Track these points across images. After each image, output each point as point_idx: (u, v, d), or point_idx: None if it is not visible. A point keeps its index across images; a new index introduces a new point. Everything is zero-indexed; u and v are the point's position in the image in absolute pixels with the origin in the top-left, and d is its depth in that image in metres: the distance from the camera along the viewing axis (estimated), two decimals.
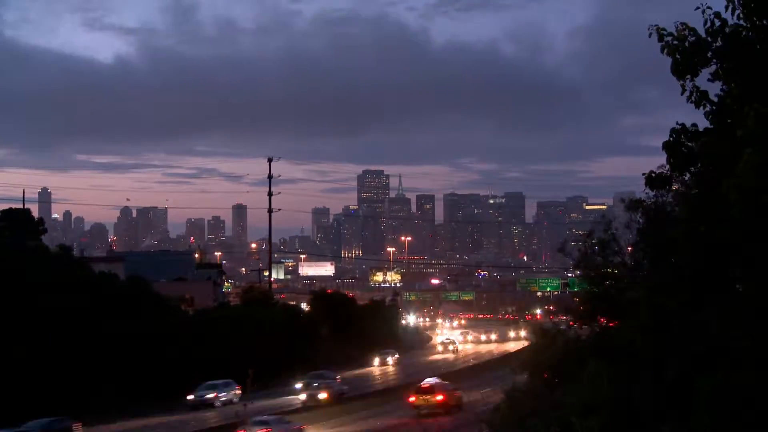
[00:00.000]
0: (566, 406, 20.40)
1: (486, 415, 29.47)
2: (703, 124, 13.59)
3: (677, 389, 15.56)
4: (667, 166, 14.17)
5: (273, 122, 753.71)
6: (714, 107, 12.93)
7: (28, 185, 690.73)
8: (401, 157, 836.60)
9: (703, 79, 12.99)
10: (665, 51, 12.68)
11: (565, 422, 20.01)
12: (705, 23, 12.45)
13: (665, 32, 12.75)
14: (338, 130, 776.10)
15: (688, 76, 12.74)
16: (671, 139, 13.46)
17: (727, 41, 12.37)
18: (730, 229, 12.64)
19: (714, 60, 12.67)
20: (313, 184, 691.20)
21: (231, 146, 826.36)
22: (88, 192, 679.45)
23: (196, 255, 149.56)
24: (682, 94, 12.80)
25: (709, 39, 12.53)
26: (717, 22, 12.41)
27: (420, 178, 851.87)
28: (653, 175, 15.20)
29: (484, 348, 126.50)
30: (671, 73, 12.76)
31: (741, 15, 12.30)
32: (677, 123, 13.55)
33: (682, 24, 12.71)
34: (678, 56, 12.58)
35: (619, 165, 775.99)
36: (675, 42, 12.63)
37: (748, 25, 12.35)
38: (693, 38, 12.57)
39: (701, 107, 12.88)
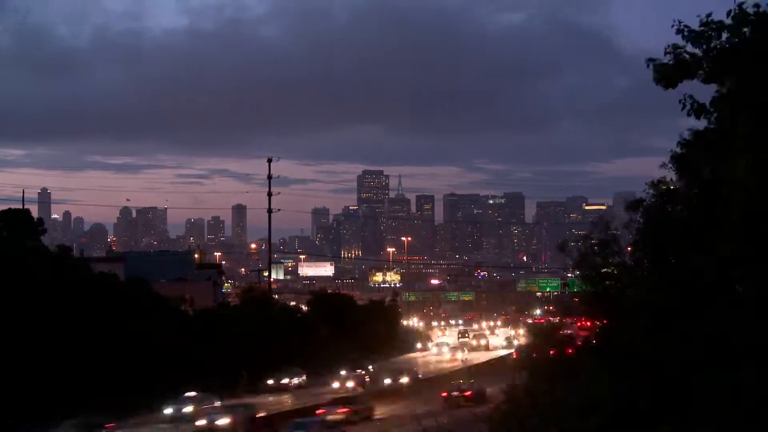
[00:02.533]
0: (566, 406, 20.43)
1: (486, 414, 29.50)
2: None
3: (676, 389, 15.57)
4: (675, 174, 14.34)
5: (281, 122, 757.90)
6: (712, 116, 13.13)
7: (40, 186, 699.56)
8: (414, 157, 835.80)
9: (699, 86, 13.19)
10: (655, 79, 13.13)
11: (565, 422, 20.04)
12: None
13: (655, 61, 13.14)
14: (337, 128, 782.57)
15: (684, 87, 12.95)
16: (678, 147, 13.68)
17: (718, 56, 12.56)
18: (730, 231, 12.68)
19: (700, 74, 12.99)
20: (320, 185, 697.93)
21: (244, 147, 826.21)
22: (98, 193, 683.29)
23: (196, 255, 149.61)
24: (682, 109, 13.05)
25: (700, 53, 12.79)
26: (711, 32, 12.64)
27: (429, 179, 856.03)
28: (655, 182, 15.32)
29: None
30: (654, 83, 13.15)
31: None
32: (681, 137, 13.77)
33: (673, 44, 13.03)
34: (664, 80, 12.93)
35: (628, 165, 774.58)
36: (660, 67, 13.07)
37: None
38: (685, 56, 12.90)
39: (700, 118, 13.11)
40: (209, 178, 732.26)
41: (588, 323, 25.57)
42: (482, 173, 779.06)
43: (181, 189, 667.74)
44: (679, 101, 13.06)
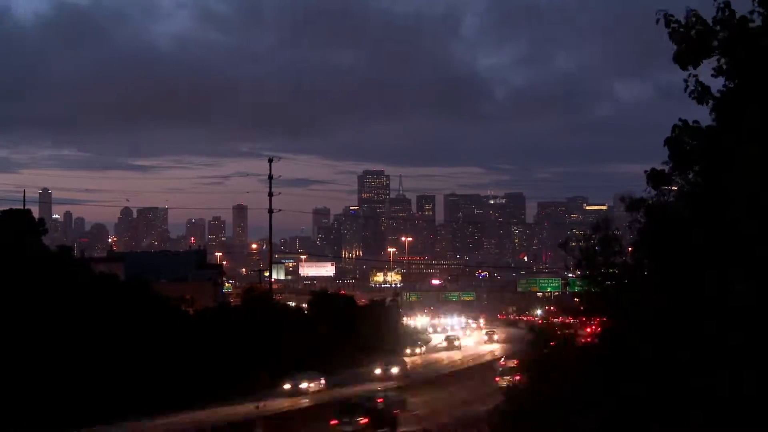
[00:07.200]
0: (566, 406, 20.38)
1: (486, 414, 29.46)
2: (705, 120, 13.52)
3: (677, 389, 15.51)
4: (670, 164, 14.13)
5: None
6: (716, 103, 12.85)
7: (59, 187, 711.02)
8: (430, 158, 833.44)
9: (705, 75, 12.90)
10: (672, 38, 12.56)
11: (565, 422, 19.99)
12: (717, 12, 12.34)
13: (673, 19, 12.62)
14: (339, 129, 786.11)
15: (690, 67, 12.64)
16: (673, 135, 13.39)
17: (734, 31, 12.26)
18: (732, 227, 12.58)
19: (717, 52, 12.57)
20: (331, 185, 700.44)
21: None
22: (113, 194, 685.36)
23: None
24: (685, 90, 12.72)
25: (717, 28, 12.40)
26: (726, 12, 12.30)
27: (444, 179, 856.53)
28: (655, 172, 15.15)
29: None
30: (673, 61, 12.66)
31: (758, 9, 12.21)
32: (679, 119, 13.47)
33: (693, 11, 12.59)
34: (683, 45, 12.48)
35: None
36: (682, 30, 12.50)
37: (764, 11, 12.21)
38: (700, 27, 12.45)
39: (703, 103, 12.80)
40: (232, 178, 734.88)
41: (590, 327, 25.54)
42: (502, 173, 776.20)
43: (202, 189, 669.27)
44: (684, 80, 12.76)
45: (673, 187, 16.50)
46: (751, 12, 12.33)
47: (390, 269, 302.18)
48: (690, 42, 12.39)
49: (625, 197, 18.91)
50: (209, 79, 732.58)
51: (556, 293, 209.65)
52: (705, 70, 12.84)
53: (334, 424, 50.38)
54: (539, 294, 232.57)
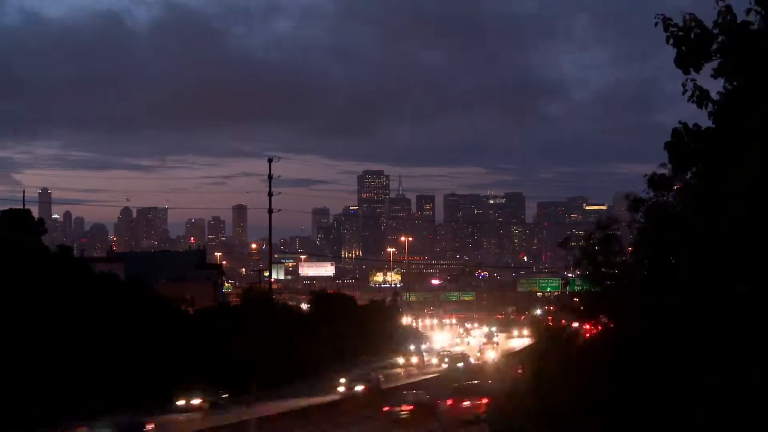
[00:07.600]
0: (567, 406, 20.40)
1: (487, 414, 29.48)
2: (704, 123, 13.55)
3: (678, 389, 15.53)
4: (669, 167, 14.16)
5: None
6: (716, 105, 12.87)
7: (61, 187, 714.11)
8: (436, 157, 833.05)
9: (704, 78, 12.92)
10: (670, 41, 12.57)
11: (566, 422, 20.01)
12: (717, 15, 12.35)
13: (671, 23, 12.64)
14: (344, 129, 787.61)
15: (691, 71, 12.65)
16: (673, 139, 13.42)
17: (734, 35, 12.26)
18: (732, 226, 12.60)
19: (718, 54, 12.57)
20: (335, 185, 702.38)
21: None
22: (114, 194, 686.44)
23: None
24: (683, 93, 12.75)
25: (715, 31, 12.42)
26: (727, 16, 12.31)
27: (447, 179, 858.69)
28: (655, 176, 15.19)
29: None
30: (675, 65, 12.68)
31: (755, 8, 12.21)
32: (679, 122, 13.50)
33: (690, 14, 12.60)
34: (683, 48, 12.48)
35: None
36: (680, 33, 12.52)
37: (761, 12, 12.22)
38: (699, 30, 12.46)
39: (703, 107, 12.83)
40: (234, 178, 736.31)
41: (589, 325, 25.58)
42: (504, 173, 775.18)
43: (205, 189, 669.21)
44: (682, 85, 12.78)
45: (673, 188, 16.53)
46: (748, 11, 12.31)
47: (389, 269, 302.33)
48: (690, 45, 12.39)
49: (630, 195, 18.95)
50: (216, 78, 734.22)
51: (556, 293, 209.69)
52: (704, 72, 12.85)
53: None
54: (539, 294, 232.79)
